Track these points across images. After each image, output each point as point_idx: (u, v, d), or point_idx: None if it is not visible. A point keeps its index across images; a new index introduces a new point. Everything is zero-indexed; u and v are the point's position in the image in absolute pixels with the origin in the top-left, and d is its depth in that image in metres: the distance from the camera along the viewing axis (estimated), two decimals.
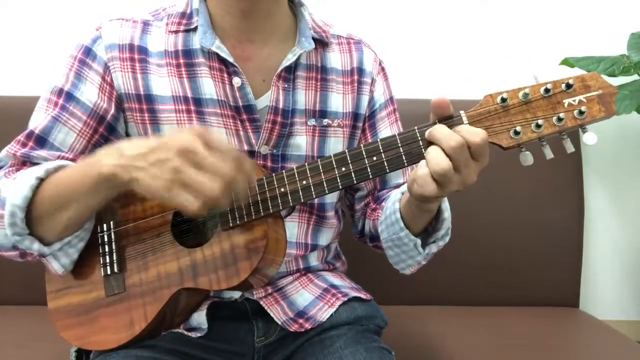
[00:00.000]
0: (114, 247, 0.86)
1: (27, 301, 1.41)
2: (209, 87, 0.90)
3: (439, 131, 0.70)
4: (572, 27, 1.73)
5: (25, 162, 0.87)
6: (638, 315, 1.81)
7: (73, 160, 0.87)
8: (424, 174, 0.71)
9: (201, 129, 0.69)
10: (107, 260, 0.85)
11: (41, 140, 0.86)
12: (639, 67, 1.48)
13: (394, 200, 0.87)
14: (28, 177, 0.77)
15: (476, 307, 1.51)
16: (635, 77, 1.52)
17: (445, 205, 0.85)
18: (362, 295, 1.02)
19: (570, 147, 0.70)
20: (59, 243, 0.81)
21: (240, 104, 0.89)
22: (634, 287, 1.81)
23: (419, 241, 0.85)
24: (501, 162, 1.46)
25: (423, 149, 0.72)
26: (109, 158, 0.72)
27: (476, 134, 0.69)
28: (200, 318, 0.89)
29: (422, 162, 0.72)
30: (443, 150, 0.70)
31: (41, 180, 0.77)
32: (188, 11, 0.92)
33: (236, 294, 0.92)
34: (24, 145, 0.86)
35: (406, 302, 1.52)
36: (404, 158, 0.73)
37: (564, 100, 0.68)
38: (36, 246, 0.78)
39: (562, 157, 1.57)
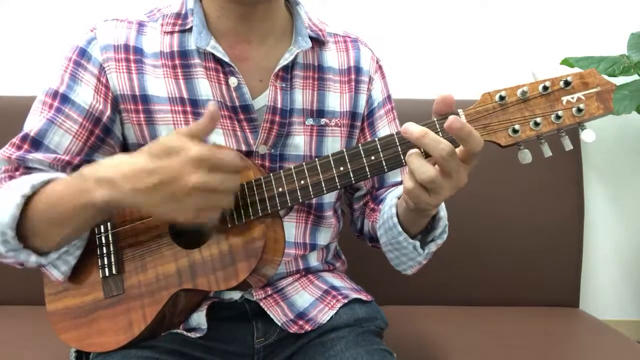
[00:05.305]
0: (112, 248, 0.85)
1: (27, 301, 1.41)
2: (205, 88, 0.89)
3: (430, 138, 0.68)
4: (572, 27, 1.72)
5: (19, 166, 0.85)
6: (638, 315, 1.81)
7: (69, 162, 0.87)
8: (412, 187, 0.71)
9: (203, 152, 0.68)
10: (106, 262, 0.85)
11: (37, 143, 0.86)
12: (639, 67, 1.48)
13: (390, 205, 0.86)
14: (14, 194, 0.74)
15: (476, 307, 1.51)
16: (635, 77, 1.51)
17: (441, 204, 0.85)
18: (363, 296, 1.01)
19: (568, 145, 0.70)
20: (56, 253, 0.80)
21: (237, 104, 0.89)
22: (634, 287, 1.81)
23: (417, 243, 0.84)
24: (501, 162, 1.47)
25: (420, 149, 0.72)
26: (101, 189, 0.70)
27: (477, 142, 0.67)
28: (199, 318, 0.89)
29: (406, 175, 0.72)
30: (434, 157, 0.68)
31: (28, 198, 0.75)
32: (183, 11, 0.92)
33: (236, 295, 0.92)
34: (19, 148, 0.85)
35: (407, 303, 1.51)
36: (402, 157, 0.73)
37: (562, 98, 0.68)
38: (33, 258, 0.77)
39: (562, 157, 1.57)
